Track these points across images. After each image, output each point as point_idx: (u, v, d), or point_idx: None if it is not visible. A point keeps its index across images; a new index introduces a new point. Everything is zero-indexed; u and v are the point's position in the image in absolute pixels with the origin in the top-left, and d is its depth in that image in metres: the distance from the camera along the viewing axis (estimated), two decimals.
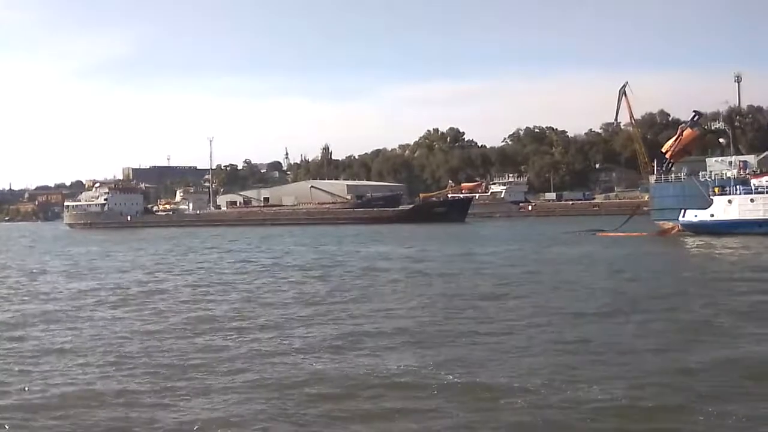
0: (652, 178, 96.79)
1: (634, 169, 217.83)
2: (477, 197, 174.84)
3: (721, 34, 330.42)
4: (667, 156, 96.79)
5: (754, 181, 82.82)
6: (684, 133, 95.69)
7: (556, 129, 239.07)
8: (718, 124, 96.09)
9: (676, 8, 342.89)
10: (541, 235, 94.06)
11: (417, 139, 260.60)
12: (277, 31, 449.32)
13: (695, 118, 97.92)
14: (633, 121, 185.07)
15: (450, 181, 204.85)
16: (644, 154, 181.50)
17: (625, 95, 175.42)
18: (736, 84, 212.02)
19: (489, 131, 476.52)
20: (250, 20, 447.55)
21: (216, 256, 71.99)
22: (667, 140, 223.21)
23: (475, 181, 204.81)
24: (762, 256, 56.03)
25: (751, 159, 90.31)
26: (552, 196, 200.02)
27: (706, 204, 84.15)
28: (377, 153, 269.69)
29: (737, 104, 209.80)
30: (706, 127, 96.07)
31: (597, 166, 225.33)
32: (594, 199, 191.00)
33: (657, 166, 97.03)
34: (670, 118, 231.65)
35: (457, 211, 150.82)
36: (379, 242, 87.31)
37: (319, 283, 43.06)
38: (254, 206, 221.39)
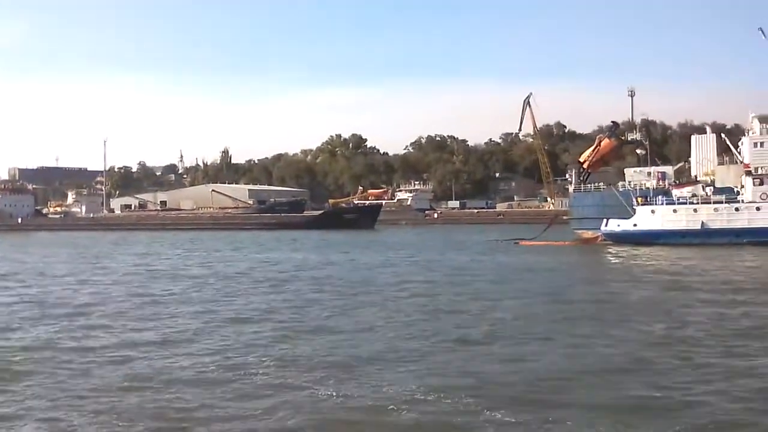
0: (571, 188, 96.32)
1: (533, 178, 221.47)
2: (384, 204, 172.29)
3: (616, 49, 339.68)
4: (585, 166, 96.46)
5: (675, 192, 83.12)
6: (602, 143, 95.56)
7: (458, 138, 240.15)
8: (635, 135, 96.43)
9: (577, 21, 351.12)
10: (466, 243, 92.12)
11: (320, 145, 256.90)
12: (174, 28, 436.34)
13: (613, 129, 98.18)
14: (536, 132, 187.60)
15: (361, 187, 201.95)
16: (546, 164, 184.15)
17: (529, 106, 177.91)
18: (630, 98, 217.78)
19: (392, 138, 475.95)
20: (148, 16, 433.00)
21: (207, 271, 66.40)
22: (565, 152, 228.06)
23: (381, 188, 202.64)
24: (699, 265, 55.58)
25: (669, 170, 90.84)
26: (455, 204, 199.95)
27: (627, 214, 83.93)
28: (279, 157, 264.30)
29: (630, 118, 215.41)
30: (623, 137, 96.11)
31: (497, 175, 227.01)
32: (496, 207, 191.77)
33: (575, 176, 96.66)
34: (566, 130, 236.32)
35: (367, 218, 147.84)
36: (328, 249, 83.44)
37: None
38: (151, 210, 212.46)
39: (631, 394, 19.25)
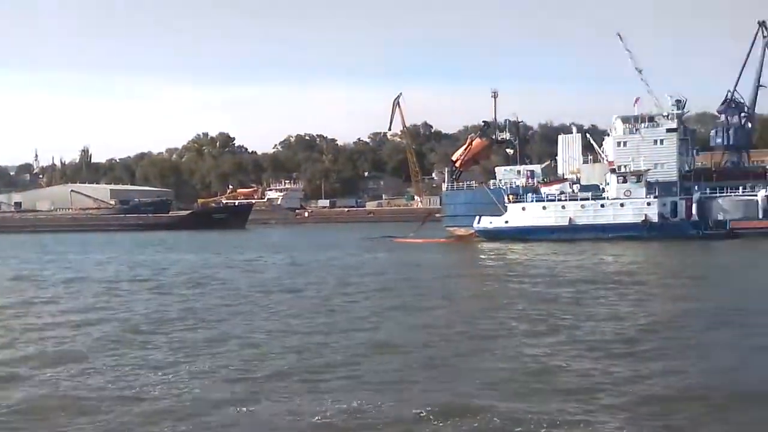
0: (444, 186, 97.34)
1: (400, 177, 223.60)
2: (254, 204, 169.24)
3: (480, 52, 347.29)
4: (457, 165, 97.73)
5: (544, 190, 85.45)
6: (474, 142, 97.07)
7: (327, 137, 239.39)
8: (505, 135, 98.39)
9: (442, 24, 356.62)
10: (342, 241, 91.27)
11: (186, 143, 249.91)
12: (22, 21, 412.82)
13: (484, 128, 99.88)
14: (406, 131, 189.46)
15: (230, 186, 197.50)
16: (415, 164, 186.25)
17: (399, 106, 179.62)
18: (493, 99, 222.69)
19: (260, 137, 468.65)
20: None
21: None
22: (431, 151, 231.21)
23: (251, 187, 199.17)
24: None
25: (538, 168, 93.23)
26: (325, 202, 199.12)
27: (499, 211, 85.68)
28: (142, 156, 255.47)
29: (494, 118, 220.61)
30: (494, 137, 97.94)
31: (366, 174, 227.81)
32: (365, 206, 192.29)
33: (448, 175, 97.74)
34: (432, 130, 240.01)
35: (237, 218, 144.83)
36: (202, 250, 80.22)
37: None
38: (5, 212, 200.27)
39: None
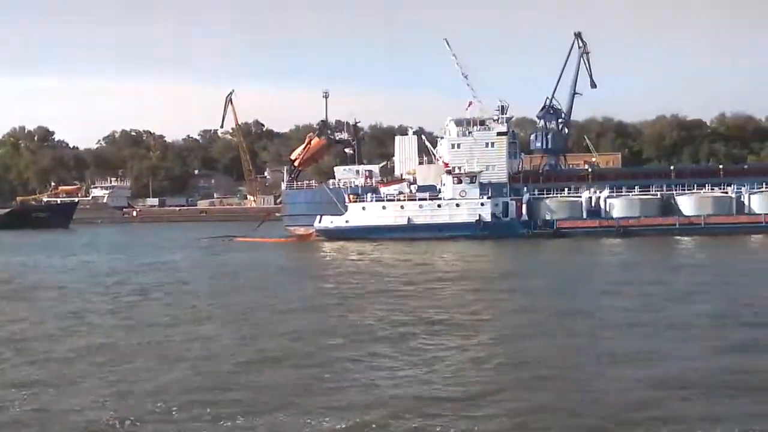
0: (283, 185, 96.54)
1: (232, 175, 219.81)
2: (78, 202, 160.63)
3: (312, 52, 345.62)
4: (296, 164, 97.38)
5: (383, 190, 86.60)
6: (312, 142, 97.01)
7: (154, 133, 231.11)
8: (343, 135, 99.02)
9: (274, 24, 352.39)
10: (185, 240, 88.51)
11: (0, 137, 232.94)
12: None
13: (322, 128, 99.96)
14: (238, 129, 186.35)
15: (53, 183, 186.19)
16: (249, 162, 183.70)
17: (231, 103, 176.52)
18: (325, 99, 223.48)
19: (82, 132, 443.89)
20: None
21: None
22: (264, 150, 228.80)
23: (74, 185, 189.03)
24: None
25: (376, 168, 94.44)
26: (154, 201, 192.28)
27: (339, 210, 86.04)
28: None
29: (326, 118, 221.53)
30: (332, 136, 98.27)
31: (196, 172, 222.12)
32: (197, 205, 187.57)
33: (286, 174, 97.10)
34: (264, 129, 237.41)
35: (60, 217, 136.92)
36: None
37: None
38: None
39: None
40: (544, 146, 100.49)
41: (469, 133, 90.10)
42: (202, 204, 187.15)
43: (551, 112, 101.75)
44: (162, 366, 22.68)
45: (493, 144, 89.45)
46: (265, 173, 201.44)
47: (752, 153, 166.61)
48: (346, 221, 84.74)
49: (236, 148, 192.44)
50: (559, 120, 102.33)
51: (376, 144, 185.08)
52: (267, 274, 50.58)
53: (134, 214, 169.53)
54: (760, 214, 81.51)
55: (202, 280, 46.92)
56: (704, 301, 34.24)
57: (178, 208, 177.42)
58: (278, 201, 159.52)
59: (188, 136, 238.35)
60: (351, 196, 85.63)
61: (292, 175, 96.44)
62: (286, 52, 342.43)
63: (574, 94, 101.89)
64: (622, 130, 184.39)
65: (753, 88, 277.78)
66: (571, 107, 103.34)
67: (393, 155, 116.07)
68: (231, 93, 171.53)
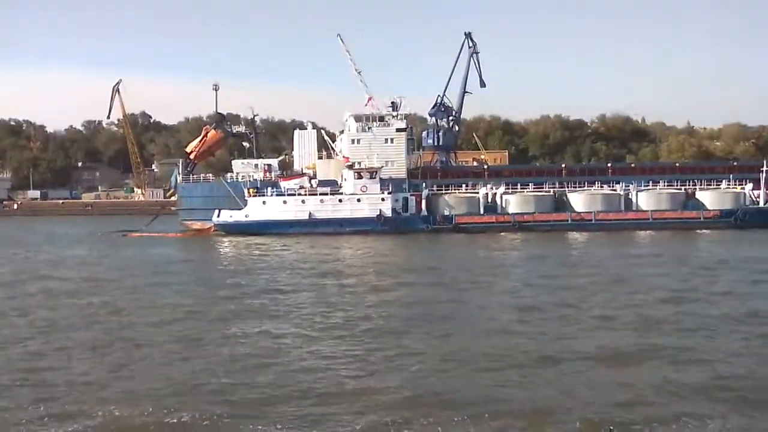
0: (179, 178, 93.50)
1: (118, 168, 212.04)
2: None
3: (199, 43, 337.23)
4: (192, 157, 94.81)
5: (283, 184, 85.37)
6: (209, 134, 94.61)
7: (35, 123, 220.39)
8: (241, 128, 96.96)
9: (162, 16, 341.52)
10: (69, 236, 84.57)
11: None
12: None
13: (219, 120, 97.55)
14: (126, 120, 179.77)
15: None
16: (137, 154, 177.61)
17: (119, 93, 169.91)
18: (215, 92, 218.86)
19: None
20: None
21: None
22: (151, 142, 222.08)
23: None
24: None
25: (275, 162, 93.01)
26: (36, 193, 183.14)
27: (237, 204, 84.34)
28: None
29: (215, 110, 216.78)
30: (230, 129, 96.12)
31: (80, 164, 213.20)
32: (81, 198, 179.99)
33: (182, 167, 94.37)
34: (151, 120, 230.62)
35: None
36: None
37: None
38: None
39: None
40: (436, 143, 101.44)
41: (369, 128, 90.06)
42: (87, 197, 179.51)
43: (443, 110, 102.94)
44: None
45: (392, 140, 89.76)
46: (153, 166, 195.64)
47: (630, 152, 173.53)
48: (246, 216, 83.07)
49: (122, 139, 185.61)
50: (450, 118, 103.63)
51: (269, 138, 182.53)
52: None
53: (15, 207, 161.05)
54: (647, 211, 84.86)
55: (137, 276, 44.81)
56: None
57: (61, 201, 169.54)
58: (168, 194, 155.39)
59: (71, 126, 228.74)
60: (251, 190, 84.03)
61: (188, 168, 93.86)
62: (174, 43, 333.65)
63: (464, 92, 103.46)
64: (509, 129, 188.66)
65: (631, 90, 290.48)
66: (461, 105, 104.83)
67: (285, 149, 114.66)
68: (118, 83, 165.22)
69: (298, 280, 42.91)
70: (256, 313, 32.01)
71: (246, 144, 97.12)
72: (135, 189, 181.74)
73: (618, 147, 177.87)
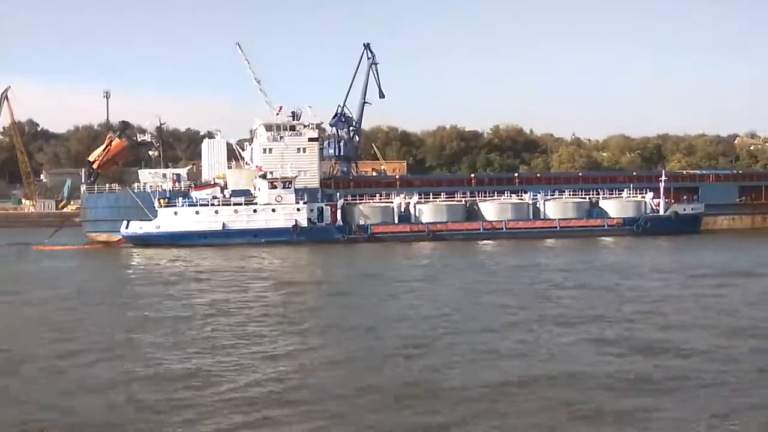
0: (83, 188, 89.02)
1: (3, 178, 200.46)
2: None
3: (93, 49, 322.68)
4: (95, 166, 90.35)
5: (195, 194, 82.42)
6: (113, 143, 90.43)
7: None
8: (146, 137, 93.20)
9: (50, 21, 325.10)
10: None
11: None
12: None
13: (123, 129, 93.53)
14: (15, 128, 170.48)
15: None
16: (27, 164, 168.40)
17: (7, 100, 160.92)
18: (106, 99, 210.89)
19: None
20: None
21: None
22: (39, 150, 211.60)
23: None
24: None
25: (183, 172, 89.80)
26: None
27: (146, 216, 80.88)
28: None
29: (107, 119, 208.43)
30: (135, 138, 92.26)
31: None
32: None
33: (85, 176, 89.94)
34: (39, 129, 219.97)
35: None
36: None
37: None
38: None
39: None
40: (337, 153, 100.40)
41: (281, 138, 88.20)
42: None
43: (343, 120, 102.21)
44: None
45: (305, 149, 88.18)
46: (42, 176, 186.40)
47: (523, 162, 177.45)
48: (157, 227, 79.57)
49: (8, 148, 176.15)
50: (351, 128, 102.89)
51: (164, 147, 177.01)
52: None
53: None
54: (555, 219, 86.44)
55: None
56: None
57: None
58: (60, 206, 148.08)
59: None
60: (161, 201, 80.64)
61: (92, 178, 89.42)
62: (63, 50, 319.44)
63: (364, 103, 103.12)
64: (406, 139, 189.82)
65: (524, 102, 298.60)
66: (361, 116, 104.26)
67: (181, 159, 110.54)
68: (7, 89, 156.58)
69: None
70: None
71: (153, 153, 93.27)
72: (24, 200, 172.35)
73: (511, 157, 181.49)
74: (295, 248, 74.03)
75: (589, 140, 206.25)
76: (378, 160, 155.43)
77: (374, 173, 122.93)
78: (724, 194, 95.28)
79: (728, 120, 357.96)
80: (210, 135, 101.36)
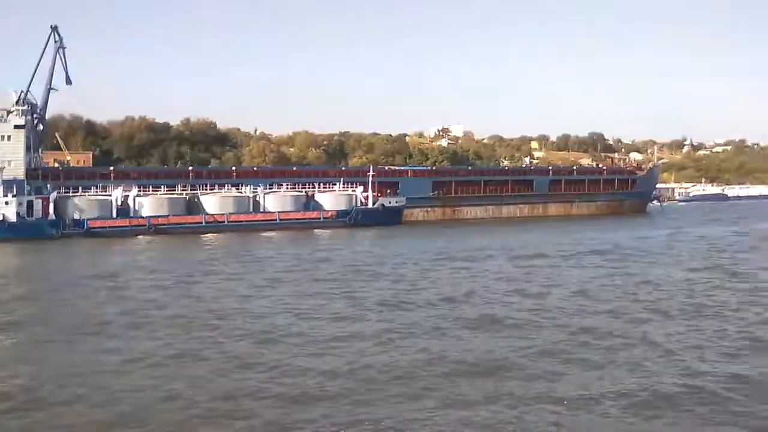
0: None
1: None
2: None
3: None
4: None
5: None
6: None
7: None
8: None
9: None
10: None
11: None
12: None
13: None
14: None
15: None
16: None
17: None
18: None
19: None
20: None
21: None
22: None
23: None
24: None
25: None
26: None
27: None
28: None
29: None
30: None
31: None
32: None
33: None
34: None
35: None
36: None
37: None
38: None
39: None
40: None
41: None
42: None
43: (26, 107, 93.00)
44: None
45: (9, 137, 79.66)
46: None
47: (215, 156, 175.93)
48: None
49: None
50: (35, 116, 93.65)
51: None
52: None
53: None
54: (274, 212, 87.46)
55: None
56: None
57: None
58: None
59: None
60: None
61: None
62: None
63: (49, 89, 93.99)
64: (92, 130, 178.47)
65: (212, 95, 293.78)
66: (46, 103, 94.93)
67: None
68: None
69: None
70: None
71: None
72: None
73: (203, 151, 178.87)
74: (1, 246, 66.40)
75: (272, 135, 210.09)
76: (61, 150, 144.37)
77: (57, 165, 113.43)
78: (420, 188, 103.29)
79: (398, 120, 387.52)
80: None
